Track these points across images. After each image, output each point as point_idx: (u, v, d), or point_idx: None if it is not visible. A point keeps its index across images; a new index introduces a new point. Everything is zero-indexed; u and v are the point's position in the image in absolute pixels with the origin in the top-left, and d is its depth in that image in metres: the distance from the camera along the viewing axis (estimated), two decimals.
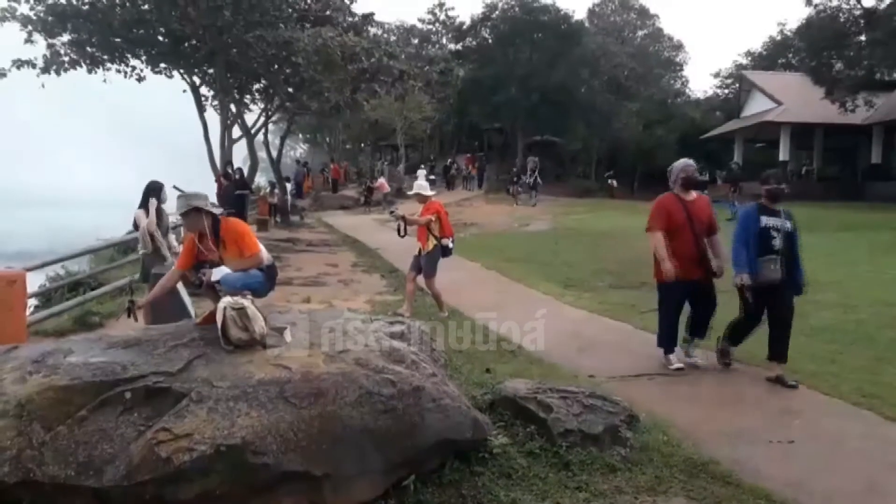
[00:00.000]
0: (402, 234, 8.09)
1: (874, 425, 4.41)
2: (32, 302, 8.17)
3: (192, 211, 4.17)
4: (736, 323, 5.50)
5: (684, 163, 5.70)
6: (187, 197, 4.25)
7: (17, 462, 2.79)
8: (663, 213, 5.52)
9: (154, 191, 7.05)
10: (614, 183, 32.71)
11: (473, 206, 25.71)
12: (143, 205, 6.97)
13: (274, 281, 4.42)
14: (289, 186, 26.53)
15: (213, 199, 13.17)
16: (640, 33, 51.06)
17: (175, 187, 6.34)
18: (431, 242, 7.49)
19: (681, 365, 5.55)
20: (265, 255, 4.26)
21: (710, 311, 5.61)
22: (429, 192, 7.86)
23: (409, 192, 8.41)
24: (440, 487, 3.29)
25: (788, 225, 5.28)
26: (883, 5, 21.76)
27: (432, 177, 27.95)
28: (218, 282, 4.06)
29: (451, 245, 7.64)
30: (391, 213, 8.55)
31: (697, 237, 5.45)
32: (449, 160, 35.18)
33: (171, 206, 6.65)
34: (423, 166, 31.24)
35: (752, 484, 3.51)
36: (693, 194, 5.62)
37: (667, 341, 5.65)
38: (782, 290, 5.20)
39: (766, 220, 5.24)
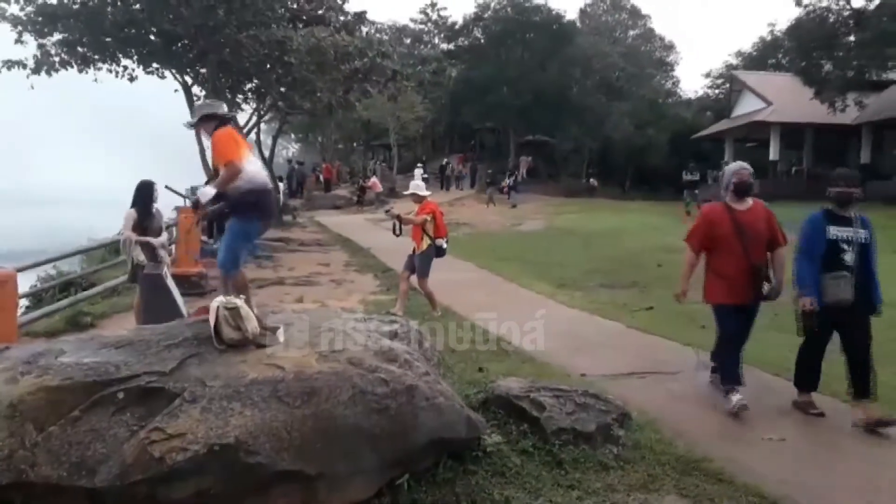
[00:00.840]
0: (397, 233, 8.11)
1: None
2: (24, 302, 8.11)
3: (201, 119, 4.10)
4: (799, 361, 4.71)
5: (738, 166, 4.97)
6: (200, 107, 4.30)
7: (10, 463, 2.77)
8: (703, 226, 4.91)
9: (146, 189, 6.92)
10: (594, 182, 32.91)
11: (465, 205, 25.77)
12: (135, 204, 6.90)
13: (260, 208, 3.92)
14: (281, 186, 26.44)
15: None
16: (631, 33, 51.28)
17: (167, 187, 6.31)
18: (426, 242, 7.52)
19: (743, 403, 4.49)
20: (246, 168, 3.78)
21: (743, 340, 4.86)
22: (424, 192, 7.88)
23: (405, 193, 8.43)
24: (434, 486, 3.30)
25: (863, 234, 4.51)
26: (872, 6, 21.88)
27: (425, 175, 27.98)
28: (205, 206, 3.83)
29: (445, 245, 7.70)
30: (386, 211, 8.57)
31: (750, 252, 4.67)
32: (444, 160, 35.20)
33: (162, 203, 6.62)
34: (419, 165, 31.29)
35: (745, 481, 3.53)
36: (749, 202, 4.86)
37: (728, 376, 4.70)
38: (856, 312, 4.44)
39: (835, 231, 4.50)
